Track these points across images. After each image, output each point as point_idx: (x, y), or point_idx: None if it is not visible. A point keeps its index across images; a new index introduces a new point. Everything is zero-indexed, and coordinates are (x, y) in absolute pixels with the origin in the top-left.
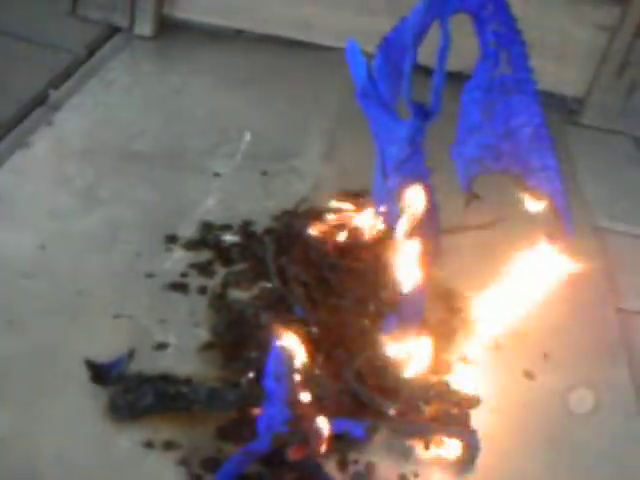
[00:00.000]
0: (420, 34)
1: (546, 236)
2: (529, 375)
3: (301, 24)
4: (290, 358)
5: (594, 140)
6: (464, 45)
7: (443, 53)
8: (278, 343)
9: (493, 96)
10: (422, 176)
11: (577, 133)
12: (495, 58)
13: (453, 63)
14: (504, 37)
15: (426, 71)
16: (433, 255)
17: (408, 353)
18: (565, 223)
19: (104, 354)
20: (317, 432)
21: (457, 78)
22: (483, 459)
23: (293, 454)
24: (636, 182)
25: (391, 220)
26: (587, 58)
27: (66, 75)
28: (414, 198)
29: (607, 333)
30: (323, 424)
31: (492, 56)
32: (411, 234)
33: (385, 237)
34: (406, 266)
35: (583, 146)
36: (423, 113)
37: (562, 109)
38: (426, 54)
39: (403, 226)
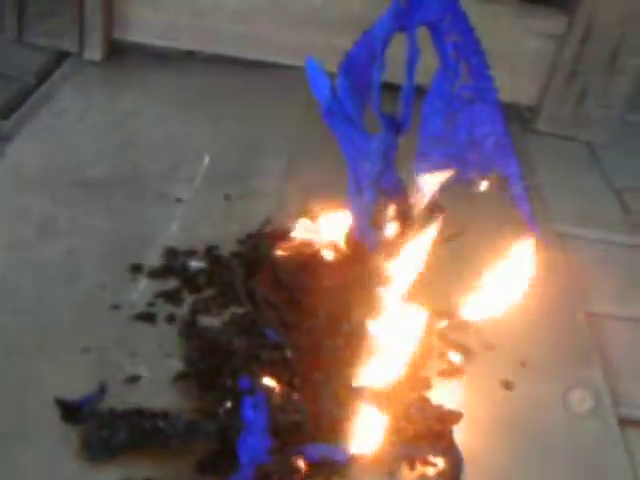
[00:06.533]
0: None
1: (512, 243)
2: (508, 385)
3: (255, 43)
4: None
5: (550, 147)
6: (434, 60)
7: (412, 64)
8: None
9: (455, 106)
10: (398, 189)
11: (534, 141)
12: (455, 69)
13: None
14: (463, 47)
15: (392, 88)
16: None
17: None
18: (530, 229)
19: (73, 391)
20: (299, 458)
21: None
22: (468, 474)
23: None
24: (592, 186)
25: (364, 235)
26: (538, 67)
27: (16, 104)
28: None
29: (580, 338)
30: (304, 450)
31: (452, 67)
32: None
33: (356, 253)
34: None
35: (540, 153)
36: (395, 126)
37: (518, 118)
38: (393, 71)
39: (384, 240)
